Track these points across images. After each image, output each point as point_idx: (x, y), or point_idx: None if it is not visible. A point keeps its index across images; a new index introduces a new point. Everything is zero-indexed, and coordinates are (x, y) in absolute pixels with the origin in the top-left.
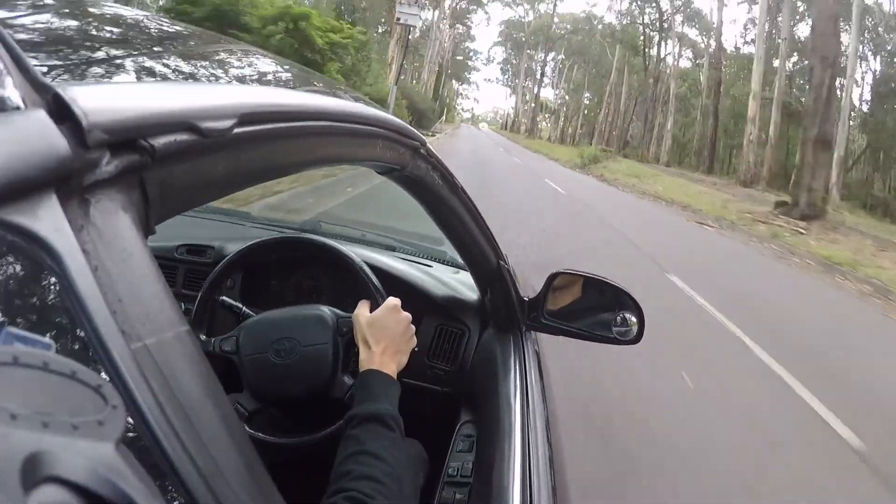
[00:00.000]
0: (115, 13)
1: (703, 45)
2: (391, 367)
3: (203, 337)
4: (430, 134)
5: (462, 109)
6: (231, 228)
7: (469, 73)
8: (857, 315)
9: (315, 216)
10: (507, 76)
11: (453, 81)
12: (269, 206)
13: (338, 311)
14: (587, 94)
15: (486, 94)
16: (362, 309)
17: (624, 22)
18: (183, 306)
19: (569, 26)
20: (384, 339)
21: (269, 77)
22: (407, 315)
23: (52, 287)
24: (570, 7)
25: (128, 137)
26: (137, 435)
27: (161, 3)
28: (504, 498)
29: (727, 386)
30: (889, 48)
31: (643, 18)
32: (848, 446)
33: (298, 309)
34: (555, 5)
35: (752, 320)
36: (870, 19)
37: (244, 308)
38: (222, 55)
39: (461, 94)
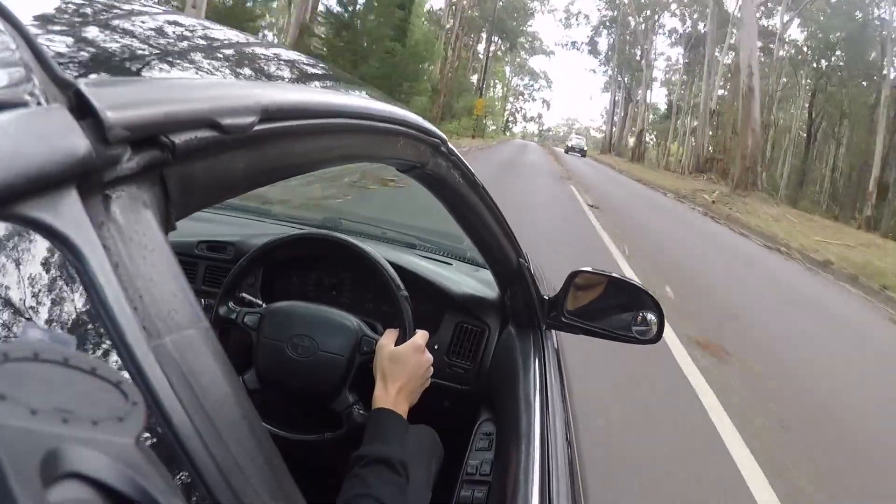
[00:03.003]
0: (136, 9)
1: None
2: (403, 408)
3: (231, 304)
4: None
5: (523, 118)
6: (251, 225)
7: (525, 53)
8: None
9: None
10: (601, 58)
11: (506, 68)
12: None
13: (365, 328)
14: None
15: (557, 98)
16: (388, 339)
17: None
18: (203, 303)
19: None
20: (402, 378)
21: (291, 74)
22: (429, 357)
23: (73, 283)
24: None
25: (149, 134)
26: (157, 431)
27: None
28: (523, 496)
29: None
30: None
31: None
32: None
33: (327, 311)
34: None
35: None
36: None
37: (264, 304)
38: (244, 51)
39: (518, 90)
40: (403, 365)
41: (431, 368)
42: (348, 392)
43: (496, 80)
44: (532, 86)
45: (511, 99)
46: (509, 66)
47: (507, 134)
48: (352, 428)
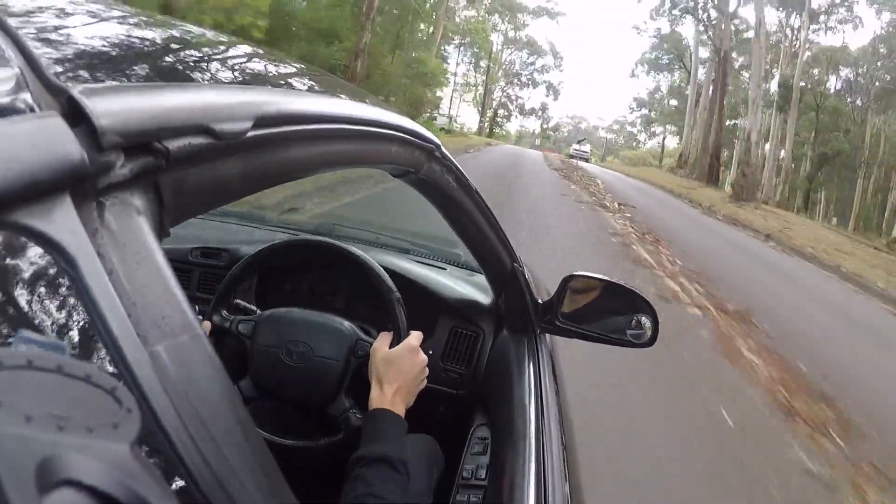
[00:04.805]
0: (129, 16)
1: None
2: (400, 409)
3: (224, 313)
4: None
5: (520, 110)
6: (245, 231)
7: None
8: None
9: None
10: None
11: (493, 37)
12: None
13: (360, 332)
14: None
15: (571, 83)
16: (381, 343)
17: None
18: (197, 309)
19: None
20: (398, 380)
21: (284, 80)
22: (423, 357)
23: (67, 290)
24: None
25: (142, 140)
26: (152, 438)
27: None
28: (518, 500)
29: None
30: None
31: None
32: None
33: (321, 316)
34: None
35: None
36: None
37: (258, 311)
38: (237, 57)
39: (511, 71)
40: (399, 366)
41: (427, 369)
42: (344, 397)
43: (476, 49)
44: (532, 64)
45: (501, 82)
46: (499, 34)
47: (499, 132)
48: (349, 432)
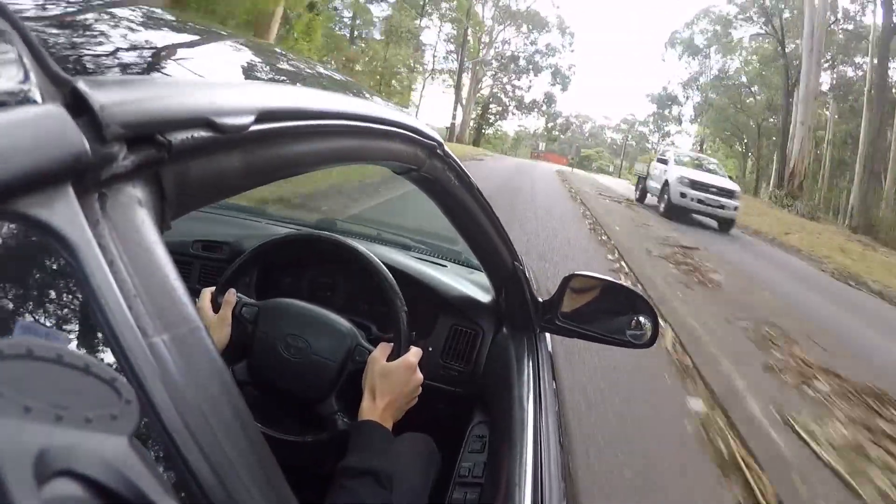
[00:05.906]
0: (133, 9)
1: None
2: (389, 423)
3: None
4: None
5: (518, 105)
6: (246, 225)
7: None
8: None
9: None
10: None
11: (478, 7)
12: None
13: (360, 337)
14: None
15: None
16: (381, 353)
17: None
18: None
19: None
20: (391, 394)
21: (288, 75)
22: (419, 377)
23: (67, 281)
24: None
25: (145, 132)
26: (151, 430)
27: None
28: (515, 499)
29: None
30: None
31: None
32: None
33: (324, 314)
34: None
35: None
36: None
37: (258, 304)
38: (241, 52)
39: (504, 54)
40: (394, 382)
41: (420, 388)
42: (335, 398)
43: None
44: (534, 43)
45: (494, 63)
46: (489, 4)
47: (491, 134)
48: (333, 434)
